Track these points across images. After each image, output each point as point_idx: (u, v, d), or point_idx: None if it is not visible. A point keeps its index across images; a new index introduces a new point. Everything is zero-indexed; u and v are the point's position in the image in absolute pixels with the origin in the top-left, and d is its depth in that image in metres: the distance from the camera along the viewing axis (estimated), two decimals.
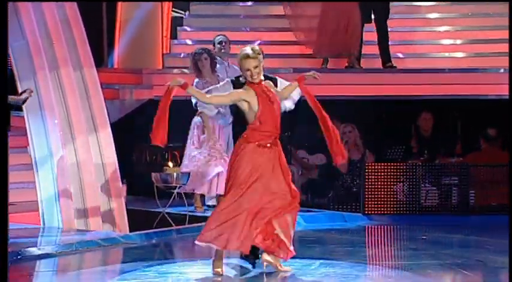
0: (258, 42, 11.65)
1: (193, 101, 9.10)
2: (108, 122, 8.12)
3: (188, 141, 9.07)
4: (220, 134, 9.09)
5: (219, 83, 9.15)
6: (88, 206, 7.92)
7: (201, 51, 9.13)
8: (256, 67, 6.12)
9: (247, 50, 6.17)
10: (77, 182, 7.91)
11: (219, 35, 9.83)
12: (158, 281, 5.97)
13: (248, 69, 6.11)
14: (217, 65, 9.30)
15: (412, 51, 11.72)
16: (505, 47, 11.56)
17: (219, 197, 9.43)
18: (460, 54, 11.63)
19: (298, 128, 9.85)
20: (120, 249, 7.39)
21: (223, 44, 9.67)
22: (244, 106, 6.14)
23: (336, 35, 10.92)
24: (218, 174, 8.93)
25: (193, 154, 9.04)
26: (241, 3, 12.51)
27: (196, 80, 9.15)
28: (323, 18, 11.05)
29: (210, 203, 9.46)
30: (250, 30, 12.03)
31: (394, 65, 11.08)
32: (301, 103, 6.65)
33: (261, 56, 6.18)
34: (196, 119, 9.12)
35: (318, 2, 11.09)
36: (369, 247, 7.52)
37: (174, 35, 11.92)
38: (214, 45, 9.67)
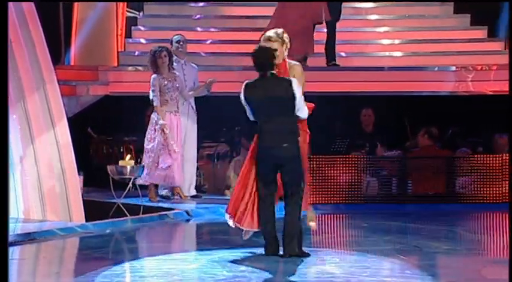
0: (210, 41, 11.60)
1: (150, 96, 9.03)
2: (65, 116, 8.01)
3: (146, 136, 9.05)
4: (173, 126, 9.07)
5: (175, 79, 9.20)
6: (46, 197, 7.82)
7: (161, 49, 9.15)
8: (276, 50, 6.12)
9: (270, 32, 6.22)
10: (34, 173, 7.80)
11: (177, 35, 9.75)
12: (114, 268, 5.90)
13: None
14: (174, 63, 9.27)
15: (354, 51, 11.78)
16: (439, 47, 11.72)
17: (173, 188, 9.39)
18: (398, 54, 11.72)
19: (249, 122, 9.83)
20: (77, 238, 7.32)
21: (181, 43, 9.61)
22: None
23: (295, 37, 10.85)
24: (169, 167, 8.92)
25: (148, 148, 9.04)
26: (193, 4, 12.43)
27: (154, 75, 9.12)
28: (281, 19, 10.99)
29: (163, 193, 9.41)
30: (203, 29, 11.96)
31: (337, 64, 11.11)
32: None
33: (284, 40, 6.19)
34: (154, 115, 9.08)
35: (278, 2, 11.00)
36: (313, 234, 7.52)
37: (128, 34, 11.83)
38: (171, 43, 9.60)
